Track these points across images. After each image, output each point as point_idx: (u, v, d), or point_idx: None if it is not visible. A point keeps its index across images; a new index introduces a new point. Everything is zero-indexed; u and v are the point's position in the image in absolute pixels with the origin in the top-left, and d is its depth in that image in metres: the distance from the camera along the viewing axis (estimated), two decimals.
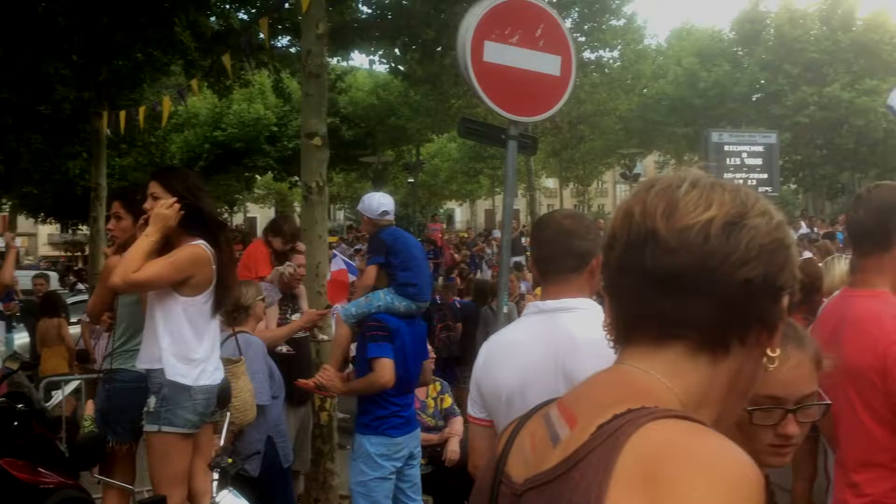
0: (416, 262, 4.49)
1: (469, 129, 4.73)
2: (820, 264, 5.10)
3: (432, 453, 5.32)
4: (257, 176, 33.21)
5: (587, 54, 20.45)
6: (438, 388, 5.60)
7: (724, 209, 0.96)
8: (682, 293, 0.94)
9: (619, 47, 23.51)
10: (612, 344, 1.06)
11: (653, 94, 30.89)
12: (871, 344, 2.40)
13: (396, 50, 11.37)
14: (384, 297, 4.34)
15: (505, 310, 4.60)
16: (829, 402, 1.58)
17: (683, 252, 0.94)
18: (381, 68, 14.18)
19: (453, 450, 5.32)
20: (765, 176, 22.65)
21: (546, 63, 4.28)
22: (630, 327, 1.00)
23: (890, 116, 26.28)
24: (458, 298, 9.99)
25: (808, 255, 9.22)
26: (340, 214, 47.03)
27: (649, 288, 0.96)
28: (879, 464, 2.42)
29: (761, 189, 22.96)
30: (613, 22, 20.25)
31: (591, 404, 0.95)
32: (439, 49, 10.52)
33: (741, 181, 21.55)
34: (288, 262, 5.32)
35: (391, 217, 4.59)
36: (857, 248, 2.65)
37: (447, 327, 8.99)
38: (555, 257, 2.36)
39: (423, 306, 4.52)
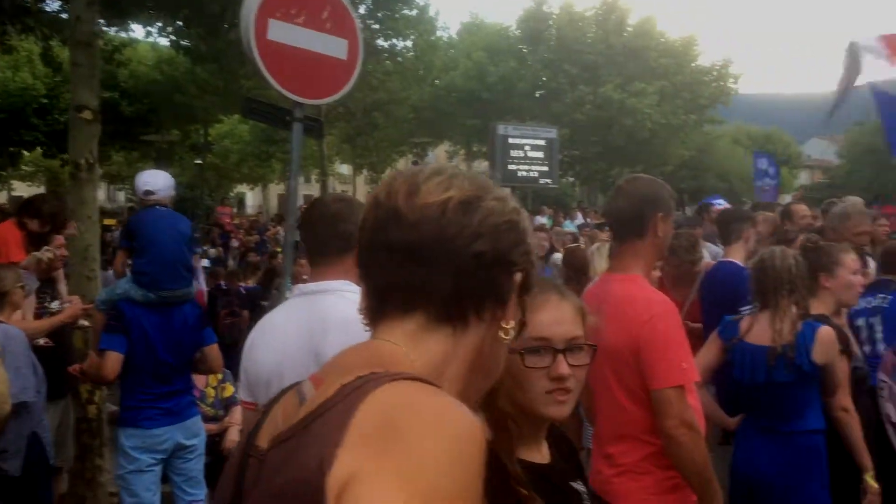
0: (156, 248, 4.26)
1: (252, 109, 4.58)
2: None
3: (211, 444, 5.13)
4: (24, 151, 30.34)
5: (380, 42, 20.57)
6: (220, 376, 5.40)
7: (462, 191, 1.05)
8: (421, 264, 1.01)
9: (412, 37, 23.85)
10: (366, 326, 1.10)
11: (444, 86, 31.64)
12: (625, 325, 2.59)
13: (179, 23, 10.78)
14: (124, 285, 4.19)
15: (288, 294, 4.52)
16: (595, 344, 1.67)
17: (422, 226, 1.02)
18: (165, 42, 13.39)
19: (231, 439, 5.17)
20: (545, 168, 23.94)
21: (332, 46, 4.23)
22: (379, 301, 1.07)
23: (656, 117, 28.78)
24: (244, 284, 9.71)
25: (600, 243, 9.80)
26: (121, 195, 44.17)
27: (393, 261, 1.03)
28: (631, 436, 2.63)
29: (542, 181, 24.28)
30: (406, 11, 20.49)
31: (338, 370, 0.99)
32: (224, 25, 10.10)
33: (525, 173, 22.39)
34: (46, 247, 4.86)
35: (158, 197, 4.36)
36: (616, 235, 2.85)
37: (233, 313, 8.71)
38: (320, 240, 2.37)
39: (165, 296, 4.24)
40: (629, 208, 2.74)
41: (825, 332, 3.28)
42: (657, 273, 4.08)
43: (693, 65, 31.73)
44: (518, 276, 1.08)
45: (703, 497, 2.55)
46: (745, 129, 59.44)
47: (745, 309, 4.31)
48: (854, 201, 8.28)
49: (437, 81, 31.11)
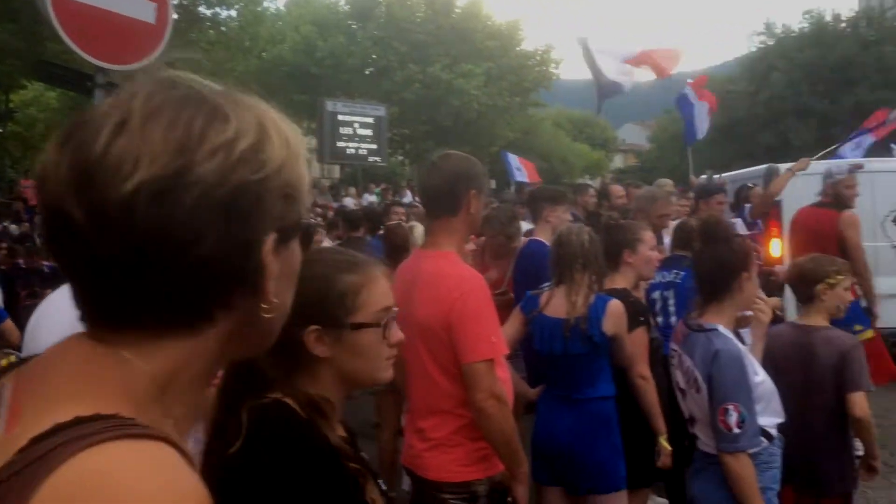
0: None
1: (48, 74, 4.23)
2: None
3: None
4: None
5: (203, 10, 19.69)
6: (12, 359, 4.98)
7: (156, 166, 0.74)
8: (133, 275, 0.76)
9: (237, 6, 23.00)
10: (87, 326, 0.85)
11: (271, 59, 30.79)
12: (438, 301, 2.62)
13: None
14: None
15: None
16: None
17: (113, 236, 0.74)
18: None
19: None
20: (375, 146, 23.93)
21: (138, 8, 3.97)
22: (94, 305, 0.80)
23: (483, 99, 29.47)
24: (48, 263, 9.02)
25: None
26: None
27: (98, 272, 0.76)
28: (443, 410, 2.66)
29: (371, 159, 24.25)
30: None
31: (41, 395, 0.76)
32: None
33: (354, 150, 22.16)
34: None
35: None
36: (430, 211, 2.86)
37: (33, 294, 8.09)
38: None
39: None
40: (442, 185, 2.75)
41: (615, 304, 3.42)
42: (471, 246, 4.16)
43: (518, 49, 32.68)
44: (271, 242, 0.82)
45: (509, 465, 2.63)
46: (566, 113, 62.01)
47: (546, 284, 4.54)
48: (663, 183, 8.96)
49: (263, 54, 30.22)
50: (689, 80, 10.39)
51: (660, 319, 4.56)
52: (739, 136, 30.52)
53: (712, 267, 2.85)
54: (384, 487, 1.54)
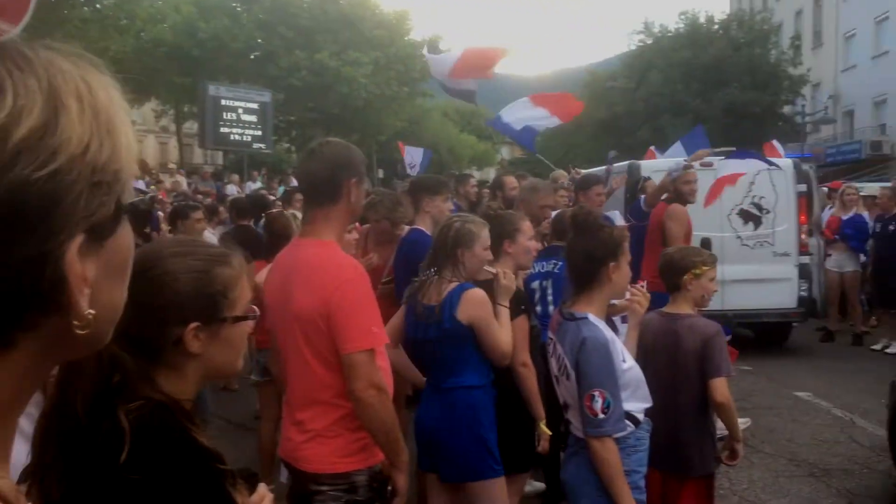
0: None
1: None
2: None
3: None
4: None
5: None
6: None
7: None
8: None
9: None
10: None
11: (150, 39, 29.59)
12: (317, 290, 2.59)
13: None
14: None
15: None
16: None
17: None
18: None
19: None
20: (259, 133, 23.42)
21: None
22: None
23: (371, 87, 29.30)
24: None
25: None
26: None
27: None
28: (322, 401, 2.64)
29: (256, 145, 23.72)
30: None
31: None
32: None
33: (238, 136, 21.58)
34: None
35: None
36: (309, 199, 2.82)
37: None
38: None
39: None
40: (322, 172, 2.72)
41: (472, 292, 3.38)
42: (353, 236, 4.14)
43: (406, 38, 32.68)
44: (76, 245, 0.65)
45: (390, 455, 2.63)
46: (453, 104, 62.45)
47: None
48: (557, 175, 9.24)
49: (142, 34, 29.01)
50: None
51: (538, 308, 4.67)
52: (619, 130, 31.59)
53: (581, 257, 2.93)
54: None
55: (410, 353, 3.67)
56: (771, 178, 9.17)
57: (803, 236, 9.75)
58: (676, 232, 6.12)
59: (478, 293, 3.40)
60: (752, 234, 9.51)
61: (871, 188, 12.50)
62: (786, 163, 9.63)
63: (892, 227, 9.96)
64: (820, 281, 10.05)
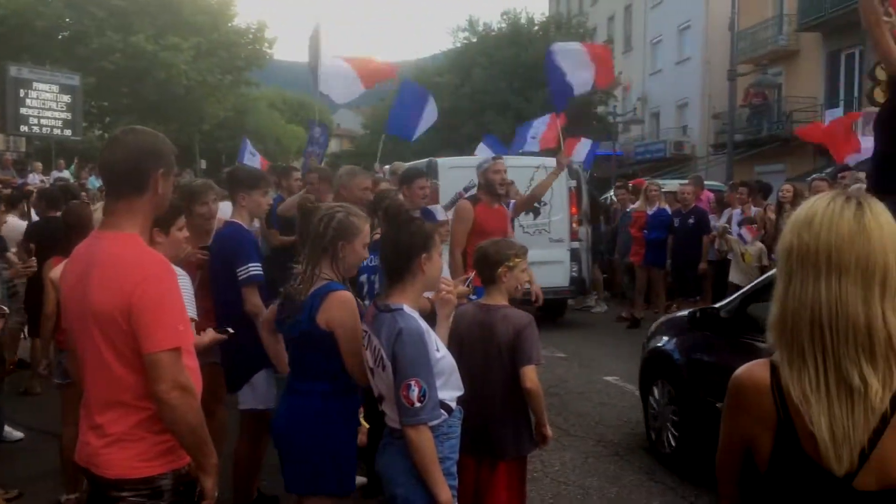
0: None
1: None
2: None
3: None
4: None
5: None
6: None
7: None
8: None
9: None
10: None
11: None
12: (116, 286, 2.44)
13: None
14: None
15: None
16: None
17: None
18: None
19: None
20: (68, 118, 21.89)
21: None
22: None
23: (192, 74, 28.09)
24: None
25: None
26: None
27: None
28: (123, 402, 2.50)
29: (64, 132, 22.14)
30: None
31: None
32: None
33: (43, 122, 20.08)
34: None
35: None
36: (112, 190, 2.65)
37: None
38: None
39: None
40: (126, 161, 2.57)
41: (337, 294, 3.23)
42: (184, 234, 3.94)
43: (229, 25, 31.65)
44: None
45: (196, 457, 2.54)
46: (281, 94, 61.28)
47: (252, 265, 4.47)
48: (397, 166, 9.42)
49: None
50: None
51: (366, 302, 4.67)
52: (445, 126, 32.18)
53: (393, 250, 2.97)
54: None
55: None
56: (547, 174, 9.86)
57: (574, 225, 11.57)
58: (458, 230, 6.25)
59: (344, 295, 3.24)
60: (532, 223, 10.91)
61: (673, 185, 13.50)
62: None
63: (690, 221, 10.81)
64: (588, 263, 11.95)
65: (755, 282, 5.73)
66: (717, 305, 5.65)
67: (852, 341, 1.52)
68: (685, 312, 6.22)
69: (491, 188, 6.31)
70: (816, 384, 1.53)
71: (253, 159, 13.10)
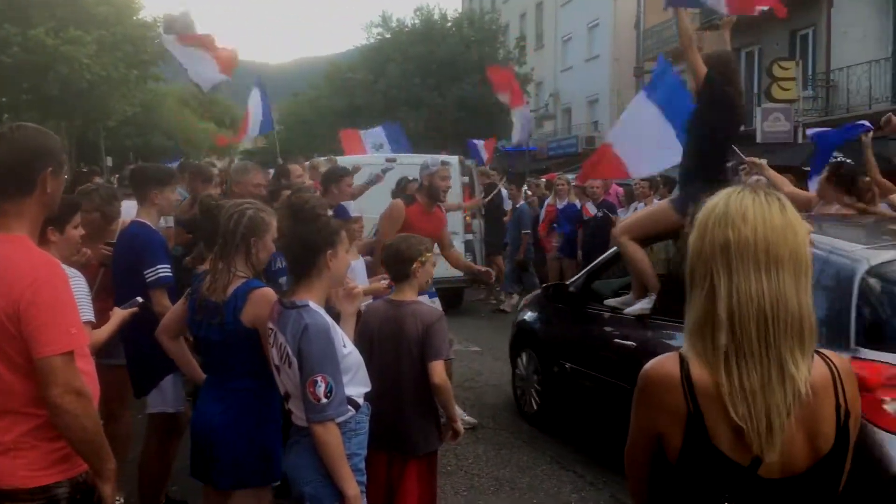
0: None
1: None
2: None
3: None
4: None
5: None
6: None
7: None
8: None
9: None
10: None
11: None
12: (5, 290, 2.36)
13: None
14: None
15: None
16: None
17: None
18: None
19: None
20: None
21: None
22: None
23: (95, 69, 27.08)
24: None
25: None
26: None
27: None
28: (13, 410, 2.41)
29: None
30: None
31: None
32: None
33: None
34: None
35: None
36: None
37: None
38: None
39: None
40: (12, 160, 2.48)
41: (260, 292, 3.24)
42: (79, 232, 3.82)
43: (135, 18, 30.66)
44: None
45: (94, 464, 2.48)
46: (191, 89, 59.75)
47: (160, 266, 4.35)
48: (316, 162, 9.42)
49: None
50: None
51: None
52: (359, 121, 32.02)
53: (299, 246, 2.95)
54: None
55: (197, 350, 3.47)
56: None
57: (468, 219, 12.21)
58: (386, 227, 6.27)
59: (267, 292, 3.24)
60: None
61: None
62: (453, 158, 12.12)
63: (599, 215, 11.06)
64: (481, 254, 12.68)
65: (598, 260, 6.40)
66: (567, 282, 6.59)
67: (790, 331, 1.57)
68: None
69: (434, 192, 6.27)
70: (759, 377, 1.56)
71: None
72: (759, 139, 20.06)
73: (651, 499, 1.75)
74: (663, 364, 1.65)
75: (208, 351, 3.41)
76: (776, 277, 1.57)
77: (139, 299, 3.94)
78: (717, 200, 1.65)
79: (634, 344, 5.14)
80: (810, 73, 22.29)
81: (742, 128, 5.85)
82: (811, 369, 1.59)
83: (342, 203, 6.38)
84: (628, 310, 5.33)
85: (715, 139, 5.27)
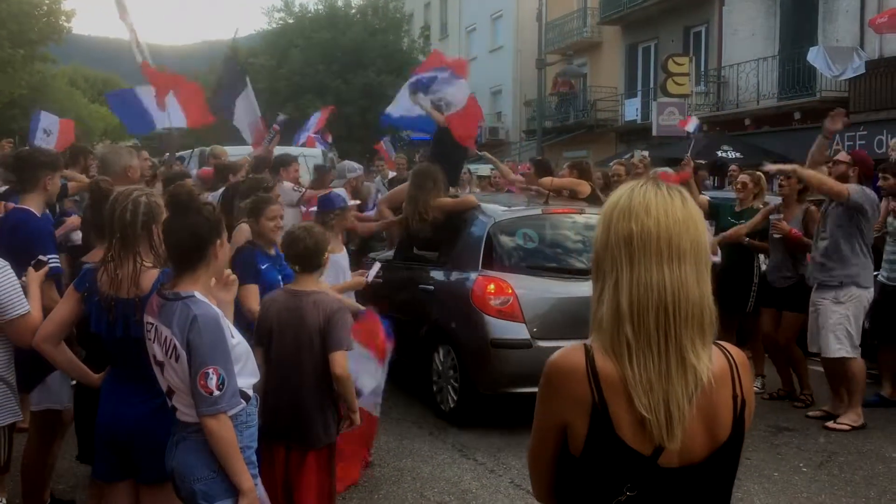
0: None
1: None
2: None
3: None
4: None
5: None
6: None
7: None
8: None
9: None
10: None
11: None
12: None
13: None
14: None
15: None
16: None
17: None
18: None
19: None
20: None
21: None
22: None
23: None
24: None
25: None
26: None
27: None
28: None
29: None
30: None
31: None
32: None
33: None
34: None
35: None
36: None
37: None
38: None
39: None
40: None
41: None
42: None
43: None
44: None
45: None
46: (82, 71, 57.35)
47: (50, 256, 4.11)
48: (218, 152, 9.30)
49: None
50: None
51: None
52: (263, 107, 31.33)
53: (185, 236, 2.83)
54: None
55: (100, 351, 3.24)
56: (306, 162, 10.73)
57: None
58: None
59: None
60: None
61: (485, 170, 13.91)
62: (314, 151, 12.80)
63: None
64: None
65: None
66: None
67: (692, 321, 1.59)
68: None
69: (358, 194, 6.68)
70: (658, 368, 1.57)
71: (48, 139, 11.77)
72: (654, 132, 20.71)
73: (555, 493, 1.76)
74: (569, 355, 1.65)
75: (123, 351, 3.17)
76: (678, 269, 1.59)
77: (41, 258, 3.74)
78: (621, 194, 1.67)
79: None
80: (703, 69, 23.16)
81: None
82: (711, 359, 1.62)
83: (335, 191, 6.28)
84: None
85: None
